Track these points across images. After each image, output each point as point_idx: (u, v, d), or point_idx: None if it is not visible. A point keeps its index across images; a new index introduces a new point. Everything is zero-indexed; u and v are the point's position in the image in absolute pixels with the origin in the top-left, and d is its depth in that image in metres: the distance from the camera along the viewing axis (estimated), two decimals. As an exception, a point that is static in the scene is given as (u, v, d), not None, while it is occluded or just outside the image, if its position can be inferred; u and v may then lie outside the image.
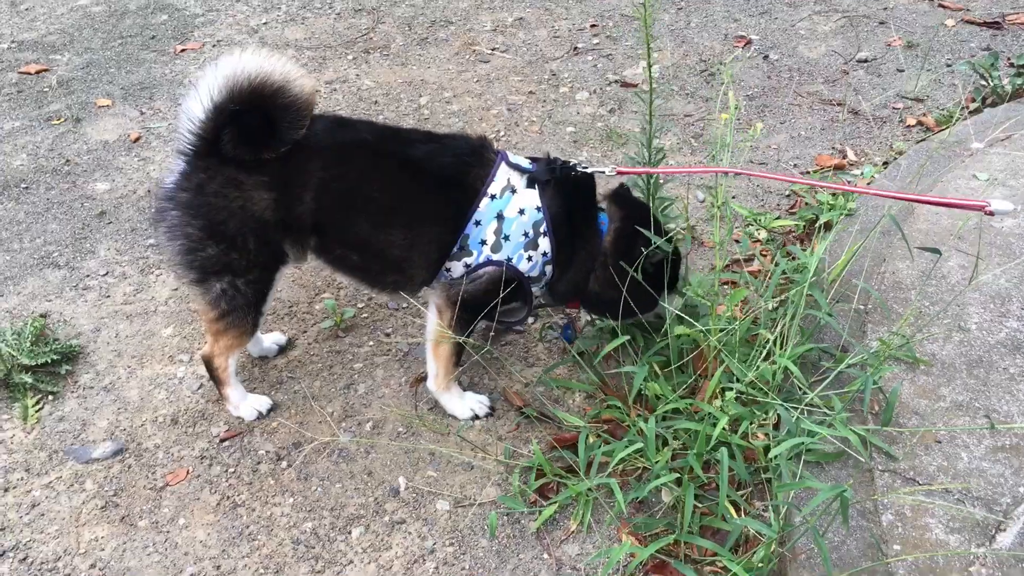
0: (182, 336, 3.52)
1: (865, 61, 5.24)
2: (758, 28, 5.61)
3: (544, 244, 2.90)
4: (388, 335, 3.51)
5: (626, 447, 2.79)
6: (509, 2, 6.06)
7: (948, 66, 5.14)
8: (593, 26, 5.70)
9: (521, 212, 2.87)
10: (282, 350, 3.44)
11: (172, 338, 3.51)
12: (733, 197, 4.08)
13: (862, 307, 3.30)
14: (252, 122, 2.68)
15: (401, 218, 2.85)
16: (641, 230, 2.88)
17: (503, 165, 2.91)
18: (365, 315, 3.61)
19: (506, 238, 2.87)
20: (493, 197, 2.86)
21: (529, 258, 2.90)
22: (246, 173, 2.73)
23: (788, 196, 4.14)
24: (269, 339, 3.43)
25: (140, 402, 3.23)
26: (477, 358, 3.30)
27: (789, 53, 5.33)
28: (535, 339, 3.48)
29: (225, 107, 2.62)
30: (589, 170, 2.97)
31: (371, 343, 3.48)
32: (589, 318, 3.39)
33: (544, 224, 2.89)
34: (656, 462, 2.76)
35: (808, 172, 4.28)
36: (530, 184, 2.91)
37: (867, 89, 4.99)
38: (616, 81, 5.12)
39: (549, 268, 2.97)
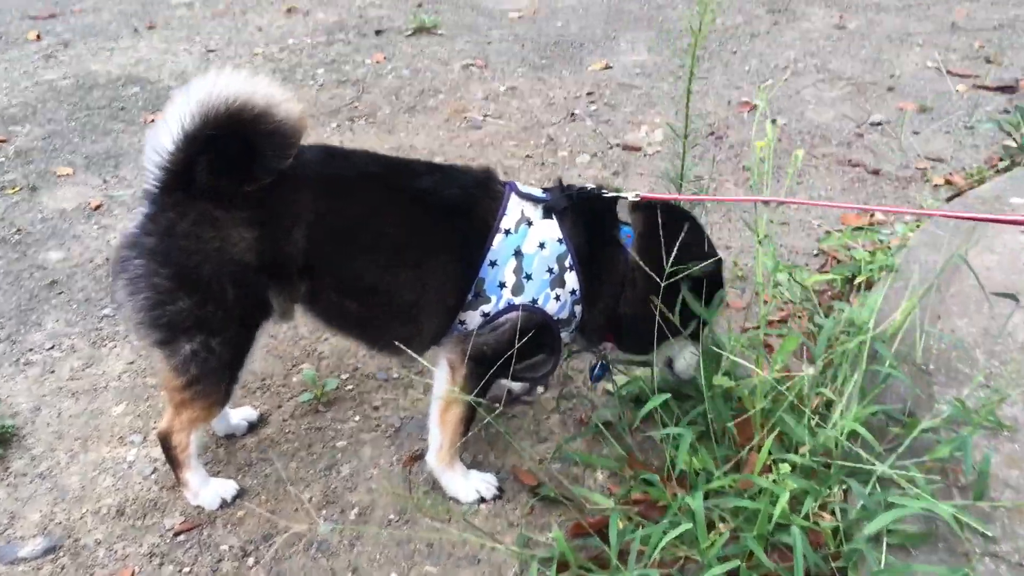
0: (135, 415, 3.02)
1: (878, 124, 4.96)
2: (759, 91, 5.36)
3: (572, 280, 2.49)
4: (377, 408, 3.04)
5: (666, 531, 2.31)
6: (500, 72, 5.80)
7: (968, 127, 4.87)
8: (590, 94, 5.42)
9: (541, 246, 2.47)
10: (252, 427, 2.95)
11: (123, 417, 3.02)
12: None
13: (923, 367, 2.88)
14: (231, 149, 2.29)
15: (411, 255, 2.44)
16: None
17: (513, 196, 2.52)
18: (350, 387, 3.14)
19: (528, 277, 2.46)
20: (508, 232, 2.46)
21: (557, 297, 2.48)
22: (223, 208, 2.33)
23: (817, 255, 3.77)
24: (238, 415, 2.94)
25: (81, 491, 2.72)
26: (492, 420, 2.82)
27: (797, 118, 5.04)
28: (546, 411, 3.01)
29: (198, 135, 2.25)
30: (609, 195, 2.58)
31: (357, 418, 3.00)
32: (612, 370, 2.92)
33: (569, 257, 2.48)
34: (707, 548, 2.27)
35: (831, 232, 3.92)
36: (547, 214, 2.52)
37: (885, 151, 4.69)
38: (617, 144, 4.79)
39: (579, 308, 2.55)
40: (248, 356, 2.50)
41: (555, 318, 2.50)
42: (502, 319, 2.47)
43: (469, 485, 2.66)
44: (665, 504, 2.49)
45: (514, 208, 2.50)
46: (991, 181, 4.17)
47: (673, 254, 2.41)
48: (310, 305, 2.52)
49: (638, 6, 6.93)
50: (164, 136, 2.27)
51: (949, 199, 4.08)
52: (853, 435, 2.51)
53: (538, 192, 2.57)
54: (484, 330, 2.49)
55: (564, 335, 2.58)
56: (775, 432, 2.53)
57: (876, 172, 4.47)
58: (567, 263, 2.49)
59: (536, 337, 2.46)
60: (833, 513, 2.44)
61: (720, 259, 2.67)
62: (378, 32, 6.36)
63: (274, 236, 2.37)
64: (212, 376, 2.43)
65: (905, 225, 3.91)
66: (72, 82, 5.88)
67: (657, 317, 2.48)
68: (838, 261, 3.67)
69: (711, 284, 2.55)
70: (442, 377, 2.58)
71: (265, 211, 2.37)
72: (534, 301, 2.47)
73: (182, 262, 2.32)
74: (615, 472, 2.72)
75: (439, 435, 2.61)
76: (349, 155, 2.59)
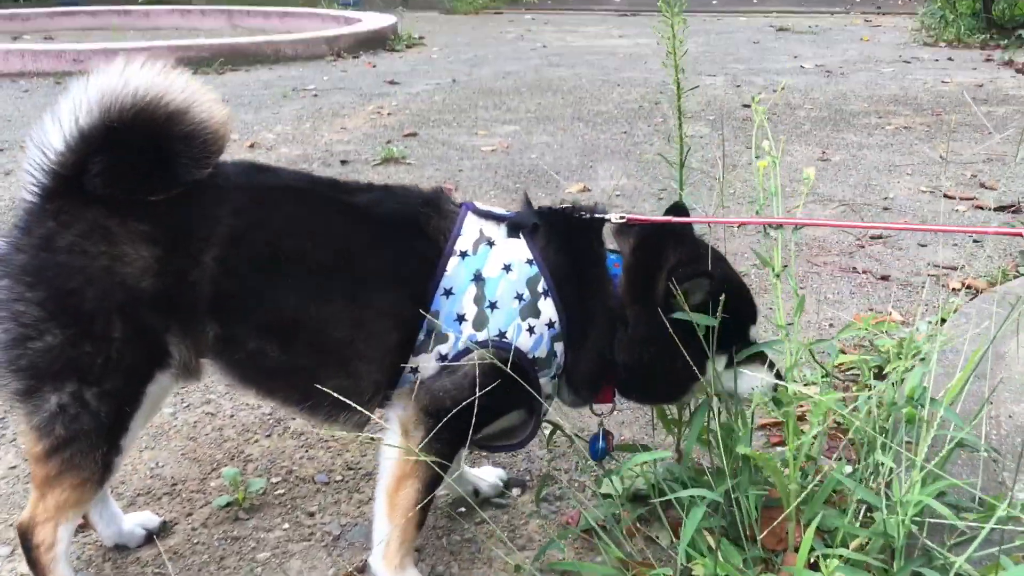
0: (7, 523, 2.40)
1: (879, 237, 4.62)
2: (751, 212, 5.03)
3: (548, 309, 2.00)
4: (312, 515, 2.43)
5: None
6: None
7: (975, 241, 4.53)
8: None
9: (507, 268, 2.00)
10: (152, 537, 2.33)
11: (-8, 526, 2.39)
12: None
13: (989, 450, 2.35)
14: (135, 152, 1.88)
15: (343, 282, 1.96)
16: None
17: (470, 215, 2.06)
18: (280, 490, 2.54)
19: (492, 307, 1.97)
20: (464, 255, 1.99)
21: (531, 330, 1.98)
22: (118, 218, 1.87)
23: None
24: (134, 520, 2.33)
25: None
26: (457, 519, 2.22)
27: (791, 228, 4.69)
28: (523, 516, 2.43)
29: (96, 133, 1.84)
30: (588, 216, 2.14)
31: (286, 526, 2.39)
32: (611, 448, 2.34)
33: (542, 280, 2.00)
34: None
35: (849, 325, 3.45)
36: (512, 232, 2.05)
37: (890, 260, 4.31)
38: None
39: (560, 347, 2.02)
40: (134, 420, 1.96)
41: (530, 356, 1.99)
42: (463, 361, 1.96)
43: None
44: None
45: (471, 227, 2.04)
46: (1016, 280, 3.80)
47: (671, 273, 1.96)
48: (221, 353, 2.00)
49: (614, 142, 6.75)
50: (53, 132, 1.85)
51: (971, 299, 3.66)
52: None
53: (500, 210, 2.12)
54: (441, 376, 1.96)
55: (544, 381, 2.05)
56: (815, 521, 1.97)
57: (885, 278, 4.07)
58: (540, 287, 2.00)
59: (507, 382, 1.93)
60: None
61: (739, 281, 2.19)
62: (343, 162, 6.08)
63: (179, 259, 1.89)
64: (84, 441, 1.88)
65: (928, 324, 3.47)
66: None
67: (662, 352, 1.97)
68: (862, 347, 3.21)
69: (730, 299, 1.98)
70: (389, 449, 2.03)
71: (170, 226, 1.90)
72: (501, 335, 1.96)
73: (58, 284, 1.83)
74: (611, 582, 2.11)
75: (387, 523, 2.01)
76: (279, 170, 2.16)
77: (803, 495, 2.04)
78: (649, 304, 2.02)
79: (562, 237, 2.08)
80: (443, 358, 1.97)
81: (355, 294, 1.94)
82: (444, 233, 2.01)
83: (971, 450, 2.35)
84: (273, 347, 1.96)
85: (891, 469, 1.96)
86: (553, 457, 2.69)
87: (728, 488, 2.16)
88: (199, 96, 1.92)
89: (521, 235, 2.05)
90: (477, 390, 1.88)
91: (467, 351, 1.95)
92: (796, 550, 2.03)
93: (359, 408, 1.89)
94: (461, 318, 1.96)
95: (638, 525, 2.31)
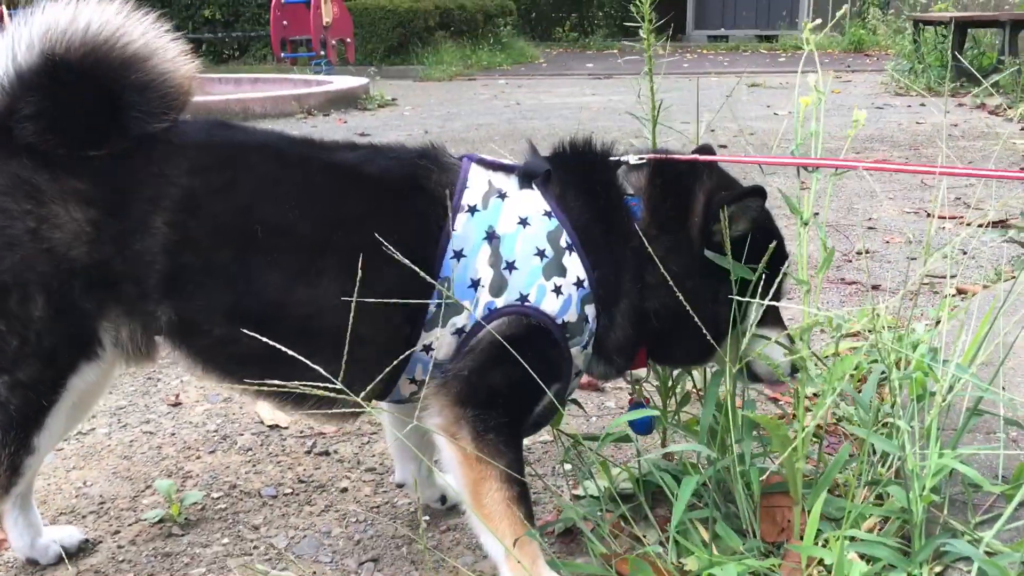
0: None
1: (867, 252, 4.44)
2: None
3: (574, 265, 1.74)
4: (257, 528, 2.16)
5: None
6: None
7: (964, 252, 4.36)
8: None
9: (524, 223, 1.74)
10: (70, 555, 2.04)
11: None
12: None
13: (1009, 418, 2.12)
14: (80, 98, 1.65)
15: (335, 254, 1.68)
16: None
17: (474, 166, 1.82)
18: (222, 505, 2.27)
19: (510, 267, 1.71)
20: (473, 210, 1.74)
21: (557, 290, 1.72)
22: (48, 173, 1.62)
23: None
24: (52, 534, 2.04)
25: None
26: (418, 531, 1.96)
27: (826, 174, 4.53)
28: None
29: (36, 74, 1.62)
30: (602, 156, 1.91)
31: (225, 540, 2.11)
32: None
33: (565, 234, 1.75)
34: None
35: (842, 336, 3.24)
36: (524, 183, 1.81)
37: (880, 272, 4.13)
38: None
39: (591, 310, 1.76)
40: (53, 416, 1.69)
41: (559, 322, 1.73)
42: (481, 334, 1.70)
43: None
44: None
45: (478, 179, 1.80)
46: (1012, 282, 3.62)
47: (701, 212, 1.77)
48: (179, 341, 1.72)
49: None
50: None
51: (968, 297, 3.47)
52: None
53: (508, 160, 1.89)
54: (463, 357, 1.72)
55: (575, 351, 1.78)
56: (820, 499, 1.72)
57: (876, 287, 3.88)
58: (563, 241, 1.75)
59: (535, 352, 1.69)
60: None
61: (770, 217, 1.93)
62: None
63: (120, 224, 1.63)
64: None
65: (926, 325, 3.27)
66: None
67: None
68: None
69: (766, 240, 1.76)
70: (448, 460, 1.77)
71: (111, 184, 1.65)
72: (523, 298, 1.71)
73: None
74: (595, 582, 1.85)
75: (492, 536, 1.74)
76: (247, 127, 1.93)
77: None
78: (681, 236, 1.80)
79: (579, 182, 1.84)
80: (459, 332, 1.72)
81: (349, 266, 1.59)
82: (448, 187, 1.76)
83: (987, 431, 2.13)
84: (250, 334, 1.61)
85: (905, 435, 1.72)
86: (528, 462, 2.43)
87: (722, 471, 1.93)
88: (162, 44, 1.70)
89: (534, 185, 1.81)
90: (512, 360, 1.63)
91: (487, 319, 1.70)
92: (801, 539, 1.78)
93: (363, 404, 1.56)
94: (476, 284, 1.71)
95: (622, 524, 2.05)
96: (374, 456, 2.50)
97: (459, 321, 1.72)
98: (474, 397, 1.72)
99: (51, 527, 2.07)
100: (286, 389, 1.57)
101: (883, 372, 2.08)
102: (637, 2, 2.16)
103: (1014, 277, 3.81)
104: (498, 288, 1.71)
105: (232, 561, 2.03)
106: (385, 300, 1.63)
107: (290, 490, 2.33)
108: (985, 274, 4.05)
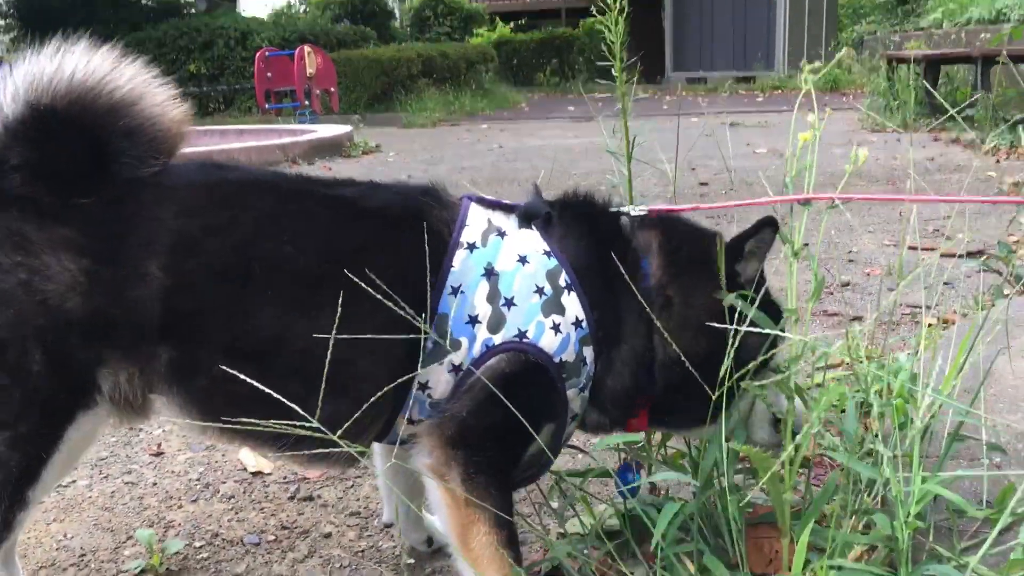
0: None
1: (847, 284, 4.48)
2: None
3: (573, 306, 1.73)
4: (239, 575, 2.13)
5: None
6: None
7: (946, 283, 4.40)
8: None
9: (522, 260, 1.74)
10: (50, 609, 2.01)
11: None
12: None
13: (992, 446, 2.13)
14: (67, 147, 1.64)
15: (332, 288, 1.61)
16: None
17: (473, 205, 1.82)
18: (204, 554, 2.24)
19: (508, 303, 1.70)
20: (472, 248, 1.74)
21: (555, 328, 1.70)
22: (37, 223, 1.60)
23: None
24: (30, 587, 2.01)
25: None
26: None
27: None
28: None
29: (22, 125, 1.61)
30: (606, 206, 1.93)
31: (207, 590, 2.08)
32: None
33: (564, 274, 1.74)
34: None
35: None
36: (523, 222, 1.81)
37: (861, 304, 4.16)
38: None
39: (589, 352, 1.75)
40: (48, 469, 1.66)
41: (556, 360, 1.71)
42: (479, 371, 1.69)
43: None
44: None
45: (477, 217, 1.80)
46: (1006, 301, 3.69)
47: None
48: (177, 384, 1.68)
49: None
50: None
51: (946, 328, 3.50)
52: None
53: (507, 201, 1.89)
54: (459, 396, 1.70)
55: (572, 394, 1.76)
56: (808, 528, 1.72)
57: (858, 319, 3.90)
58: (562, 281, 1.74)
59: (535, 389, 1.69)
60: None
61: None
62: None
63: (113, 272, 1.61)
64: None
65: (906, 356, 3.28)
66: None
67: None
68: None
69: (769, 305, 1.80)
70: (437, 502, 1.75)
71: (103, 231, 1.63)
72: (521, 334, 1.70)
73: None
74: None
75: None
76: (240, 166, 1.93)
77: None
78: (697, 286, 1.80)
79: (580, 227, 1.84)
80: (456, 371, 1.71)
81: (347, 301, 1.58)
82: (447, 224, 1.76)
83: (970, 457, 2.14)
84: (246, 373, 1.56)
85: (887, 462, 1.72)
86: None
87: (709, 505, 1.93)
88: (149, 89, 1.70)
89: (534, 226, 1.81)
90: (509, 402, 1.62)
91: (483, 359, 1.69)
92: (790, 569, 1.77)
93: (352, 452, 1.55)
94: (474, 320, 1.70)
95: (609, 561, 2.03)
96: (359, 500, 2.48)
97: (456, 359, 1.71)
98: (467, 439, 1.70)
99: None
100: (282, 431, 1.54)
101: (864, 401, 2.09)
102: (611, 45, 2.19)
103: (993, 305, 3.84)
104: (496, 324, 1.70)
105: (215, 610, 2.00)
106: (384, 325, 1.61)
107: (273, 537, 2.30)
108: (965, 303, 4.08)
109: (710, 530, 1.95)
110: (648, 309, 1.75)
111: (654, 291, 1.80)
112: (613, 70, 2.23)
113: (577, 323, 1.73)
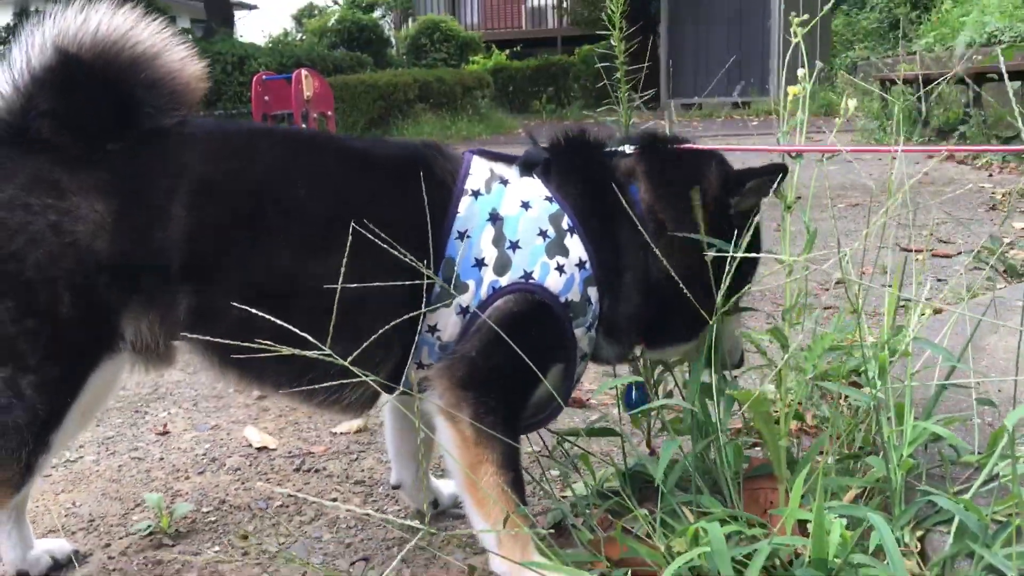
0: None
1: (841, 283, 4.52)
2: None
3: (576, 247, 1.80)
4: (246, 537, 2.17)
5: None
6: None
7: (940, 280, 4.47)
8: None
9: (525, 206, 1.82)
10: (59, 567, 2.04)
11: None
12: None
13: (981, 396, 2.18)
14: (92, 95, 1.71)
15: (343, 231, 1.64)
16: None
17: (475, 157, 1.90)
18: (212, 518, 2.28)
19: (514, 246, 1.77)
20: (476, 194, 1.81)
21: (560, 268, 1.77)
22: (67, 168, 1.66)
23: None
24: (44, 545, 2.05)
25: None
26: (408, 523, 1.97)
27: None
28: (484, 522, 2.17)
29: (49, 75, 1.67)
30: (599, 148, 2.00)
31: (216, 548, 2.12)
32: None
33: (566, 217, 1.82)
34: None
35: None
36: (524, 171, 1.89)
37: (856, 299, 4.20)
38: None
39: (594, 292, 1.82)
40: (71, 414, 1.71)
41: (562, 300, 1.78)
42: (488, 311, 1.75)
43: None
44: (660, 567, 1.64)
45: (479, 167, 1.87)
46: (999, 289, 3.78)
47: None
48: (198, 325, 1.70)
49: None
50: (1, 77, 1.69)
51: (937, 313, 3.57)
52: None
53: (506, 153, 1.97)
54: (468, 337, 1.76)
55: (580, 333, 1.82)
56: (803, 472, 1.76)
57: (854, 311, 3.95)
58: (565, 224, 1.82)
59: (541, 330, 1.75)
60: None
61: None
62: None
63: (140, 213, 1.67)
64: (11, 437, 1.65)
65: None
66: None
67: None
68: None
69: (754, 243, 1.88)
70: (447, 442, 1.79)
71: (128, 176, 1.69)
72: (527, 276, 1.76)
73: None
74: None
75: (484, 522, 1.77)
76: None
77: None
78: (683, 213, 1.85)
79: (578, 172, 1.91)
80: (464, 311, 1.76)
81: (357, 244, 1.62)
82: (451, 173, 1.84)
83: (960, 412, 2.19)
84: (263, 312, 1.57)
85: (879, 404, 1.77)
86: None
87: (705, 457, 1.98)
88: (169, 45, 1.78)
89: (534, 174, 1.89)
90: (533, 340, 1.70)
91: (491, 301, 1.75)
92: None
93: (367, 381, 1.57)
94: (480, 263, 1.77)
95: (610, 518, 2.07)
96: (363, 471, 2.52)
97: (464, 301, 1.77)
98: (477, 379, 1.75)
99: (41, 539, 2.07)
100: (298, 370, 1.65)
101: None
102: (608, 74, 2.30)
103: (987, 292, 3.91)
104: (502, 266, 1.77)
105: (224, 566, 2.03)
106: (393, 278, 1.66)
107: (280, 503, 2.34)
108: (957, 294, 4.13)
109: (708, 484, 1.99)
110: (643, 231, 1.82)
111: (646, 215, 1.87)
112: (613, 93, 2.33)
113: (580, 264, 1.79)
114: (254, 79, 15.61)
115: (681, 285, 1.78)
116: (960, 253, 5.04)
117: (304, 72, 15.39)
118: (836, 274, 4.66)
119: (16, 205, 1.63)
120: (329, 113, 16.20)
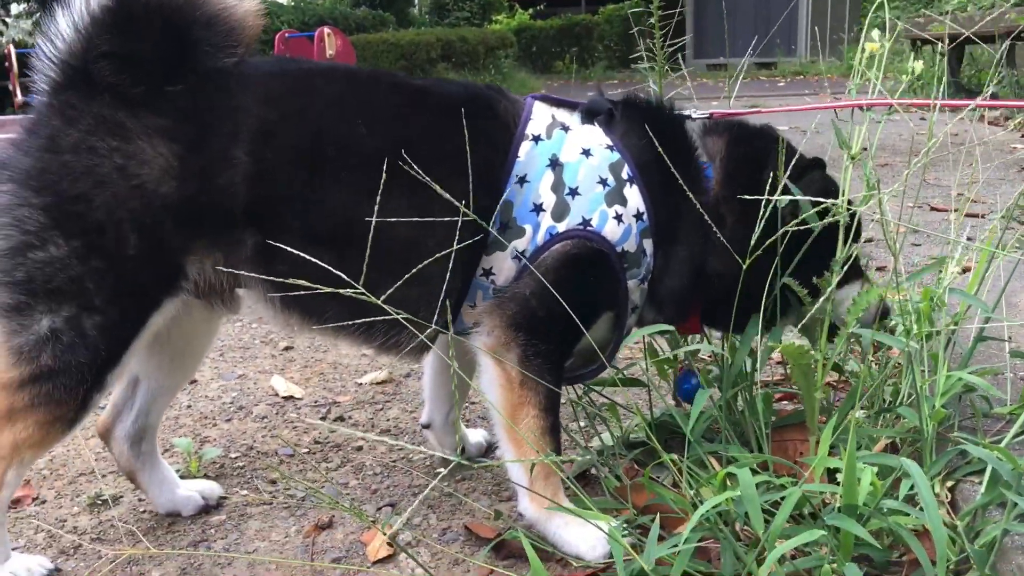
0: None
1: (871, 240, 4.48)
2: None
3: (635, 198, 1.79)
4: (274, 482, 2.19)
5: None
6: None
7: (969, 239, 4.40)
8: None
9: (586, 153, 1.79)
10: (211, 508, 2.07)
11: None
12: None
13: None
14: (151, 36, 1.68)
15: (403, 173, 1.62)
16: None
17: (538, 102, 1.87)
18: (240, 463, 2.30)
19: (573, 193, 1.76)
20: (537, 139, 1.79)
21: (618, 218, 1.76)
22: (131, 112, 1.65)
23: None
24: (197, 485, 2.08)
25: None
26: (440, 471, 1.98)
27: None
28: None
29: (109, 15, 1.65)
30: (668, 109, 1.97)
31: (244, 491, 2.14)
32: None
33: (627, 167, 1.80)
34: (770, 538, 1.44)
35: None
36: (587, 118, 1.87)
37: (885, 256, 4.16)
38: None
39: (649, 244, 1.81)
40: (130, 354, 1.72)
41: (618, 249, 1.76)
42: (544, 255, 1.74)
43: (590, 535, 1.73)
44: (686, 514, 1.64)
45: (541, 113, 1.85)
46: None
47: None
48: (260, 268, 1.71)
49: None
50: (63, 18, 1.66)
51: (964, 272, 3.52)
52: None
53: (569, 99, 1.94)
54: (522, 279, 1.75)
55: (632, 284, 1.81)
56: (832, 420, 1.75)
57: (881, 269, 3.92)
58: (625, 173, 1.80)
59: (596, 277, 1.75)
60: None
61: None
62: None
63: (204, 158, 1.66)
64: (72, 374, 1.64)
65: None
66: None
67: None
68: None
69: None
70: (490, 381, 1.79)
71: (191, 119, 1.68)
72: (586, 223, 1.74)
73: (64, 188, 1.62)
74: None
75: (520, 464, 1.76)
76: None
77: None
78: (748, 210, 1.80)
79: (642, 125, 1.86)
80: (520, 257, 1.75)
81: (416, 186, 1.60)
82: (513, 116, 1.82)
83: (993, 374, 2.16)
84: (324, 256, 1.55)
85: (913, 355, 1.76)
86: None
87: (733, 407, 1.97)
88: None
89: (596, 122, 1.87)
90: (586, 288, 1.72)
91: (547, 246, 1.74)
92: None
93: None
94: (539, 208, 1.75)
95: (636, 468, 2.07)
96: (388, 420, 2.53)
97: (520, 244, 1.76)
98: (528, 320, 1.74)
99: (190, 480, 2.11)
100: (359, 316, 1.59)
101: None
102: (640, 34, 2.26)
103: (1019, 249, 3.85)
104: (560, 213, 1.75)
105: (252, 509, 2.06)
106: (451, 221, 1.63)
107: (307, 450, 2.36)
108: (990, 253, 4.08)
109: (736, 435, 1.98)
110: (708, 221, 1.78)
111: (711, 205, 1.83)
112: (639, 55, 2.29)
113: (638, 215, 1.78)
114: (277, 37, 15.54)
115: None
116: (991, 213, 4.96)
117: (327, 30, 15.30)
118: (865, 233, 4.60)
119: (82, 148, 1.63)
120: (352, 72, 16.15)
